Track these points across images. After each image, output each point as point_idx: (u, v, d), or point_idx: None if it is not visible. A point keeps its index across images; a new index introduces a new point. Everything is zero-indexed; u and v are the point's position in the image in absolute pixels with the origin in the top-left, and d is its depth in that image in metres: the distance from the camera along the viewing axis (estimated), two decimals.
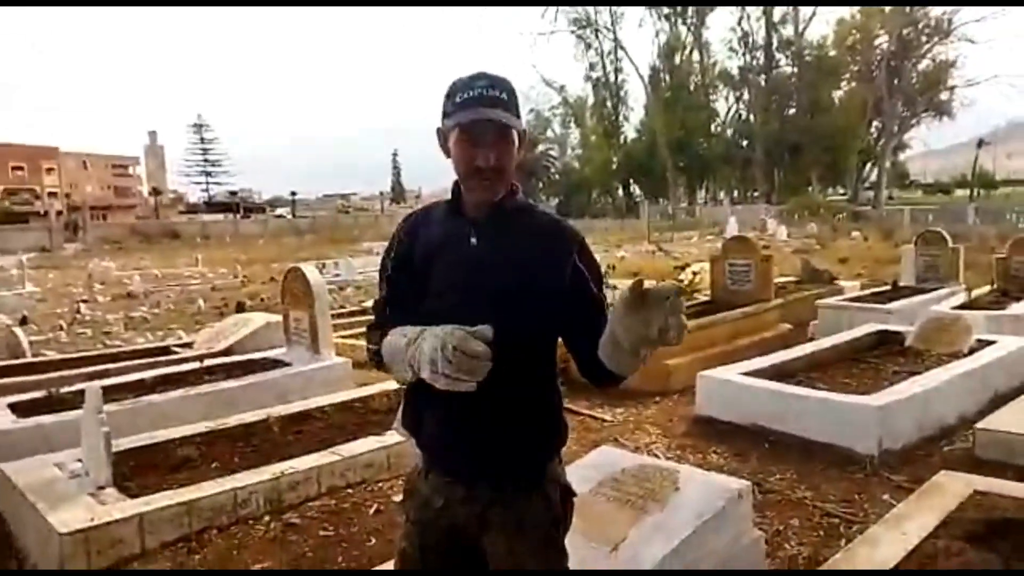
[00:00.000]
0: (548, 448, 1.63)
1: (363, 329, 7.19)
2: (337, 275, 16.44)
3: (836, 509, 3.57)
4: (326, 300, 6.27)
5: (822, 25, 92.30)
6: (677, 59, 53.82)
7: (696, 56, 53.74)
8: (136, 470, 3.87)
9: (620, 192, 58.77)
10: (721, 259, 8.22)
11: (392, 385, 5.40)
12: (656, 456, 4.24)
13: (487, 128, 1.48)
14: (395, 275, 1.67)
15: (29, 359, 7.64)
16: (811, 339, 6.91)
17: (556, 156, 60.49)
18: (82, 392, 4.66)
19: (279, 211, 63.24)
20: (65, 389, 5.30)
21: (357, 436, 4.35)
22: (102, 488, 3.51)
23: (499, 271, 1.52)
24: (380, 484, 4.00)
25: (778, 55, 51.05)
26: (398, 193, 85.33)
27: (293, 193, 61.85)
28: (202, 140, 76.48)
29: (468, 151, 1.50)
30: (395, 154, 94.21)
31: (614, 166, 55.80)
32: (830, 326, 7.34)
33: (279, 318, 6.89)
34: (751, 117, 51.73)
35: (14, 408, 4.94)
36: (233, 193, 63.97)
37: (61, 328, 11.11)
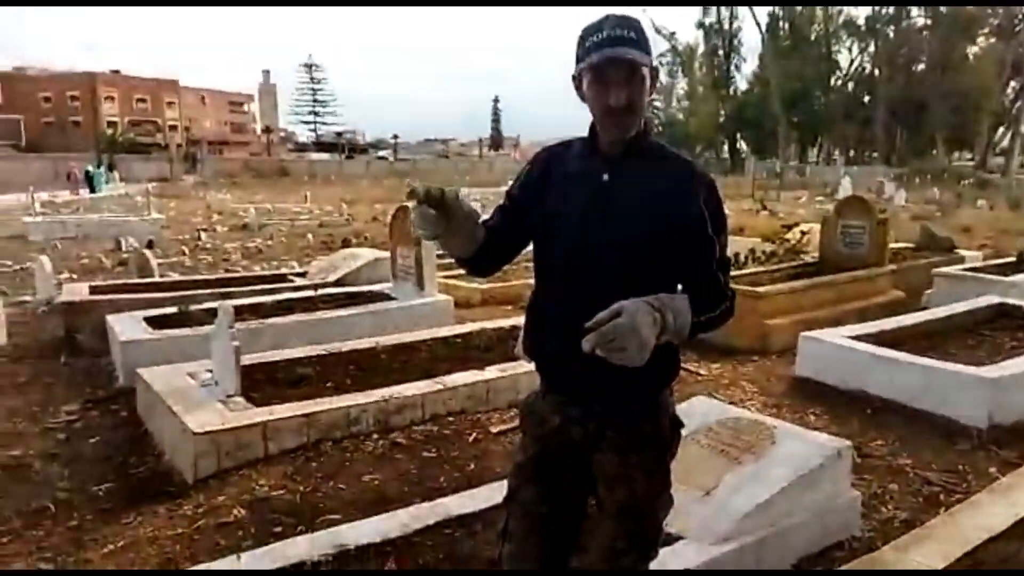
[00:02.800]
0: (662, 376, 1.70)
1: (462, 271, 7.36)
2: None
3: (938, 478, 3.49)
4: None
5: None
6: (799, 7, 50.72)
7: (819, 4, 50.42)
8: (259, 383, 4.20)
9: (725, 147, 56.67)
10: (834, 220, 7.90)
11: (491, 324, 5.58)
12: (751, 412, 4.23)
13: (618, 67, 1.53)
14: (519, 193, 1.76)
15: (158, 279, 8.29)
16: (924, 308, 6.60)
17: (660, 107, 58.76)
18: (208, 310, 5.08)
19: (381, 153, 64.59)
20: (194, 307, 5.76)
21: (458, 369, 4.55)
22: (231, 396, 3.85)
23: (627, 206, 1.58)
24: (479, 415, 4.19)
25: (910, 5, 47.21)
26: (497, 140, 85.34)
27: (395, 136, 63.09)
28: (312, 80, 78.54)
29: (600, 91, 1.56)
30: (496, 101, 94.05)
31: (721, 119, 53.71)
32: (946, 296, 6.98)
33: (386, 254, 7.17)
34: (875, 72, 48.43)
35: (149, 321, 5.42)
36: (339, 134, 65.77)
37: (184, 253, 11.93)
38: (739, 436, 3.05)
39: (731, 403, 4.39)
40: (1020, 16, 42.15)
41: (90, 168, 31.02)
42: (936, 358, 4.62)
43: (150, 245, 12.10)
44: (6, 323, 6.25)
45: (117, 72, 66.49)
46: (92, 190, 28.25)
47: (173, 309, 5.82)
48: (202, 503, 3.18)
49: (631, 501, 1.65)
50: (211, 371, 4.15)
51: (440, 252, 8.89)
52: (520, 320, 3.98)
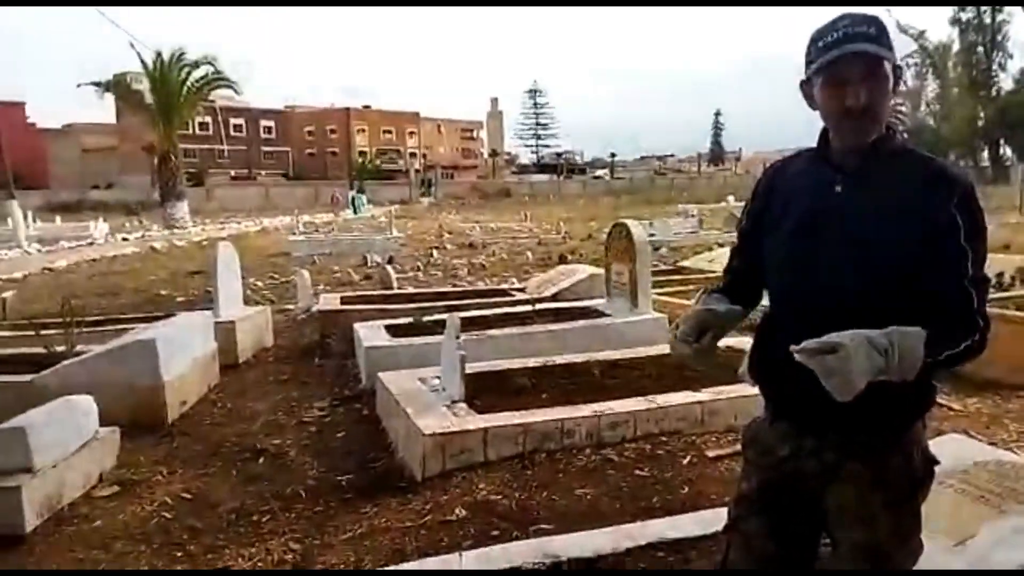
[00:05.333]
0: (915, 406, 1.53)
1: (677, 288, 7.25)
2: (652, 235, 16.61)
3: None
4: (648, 256, 6.44)
5: None
6: None
7: None
8: (481, 391, 4.43)
9: (985, 153, 49.94)
10: None
11: None
12: (1015, 455, 3.67)
13: (855, 63, 1.40)
14: (747, 225, 1.69)
15: (396, 291, 9.10)
16: None
17: (906, 112, 53.25)
18: (439, 321, 5.45)
19: (598, 172, 65.49)
20: (426, 318, 6.23)
21: (671, 389, 4.45)
22: (456, 402, 4.10)
23: (862, 219, 1.44)
24: (693, 437, 4.06)
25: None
26: (716, 154, 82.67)
27: (612, 155, 63.79)
28: (535, 105, 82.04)
29: (836, 92, 1.43)
30: (717, 114, 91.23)
31: (981, 123, 47.46)
32: None
33: (601, 271, 7.24)
34: None
35: (389, 329, 5.96)
36: (559, 155, 67.82)
37: (419, 269, 12.99)
38: (1001, 481, 2.69)
39: (991, 443, 3.85)
40: None
41: (352, 193, 35.18)
42: None
43: (390, 261, 13.36)
44: (273, 327, 7.21)
45: (368, 107, 74.48)
46: (355, 211, 31.92)
47: (408, 319, 6.35)
48: (429, 500, 3.41)
49: (872, 543, 1.48)
50: (439, 377, 4.45)
51: (653, 269, 8.83)
52: (738, 341, 3.81)
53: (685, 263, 11.89)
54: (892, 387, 1.39)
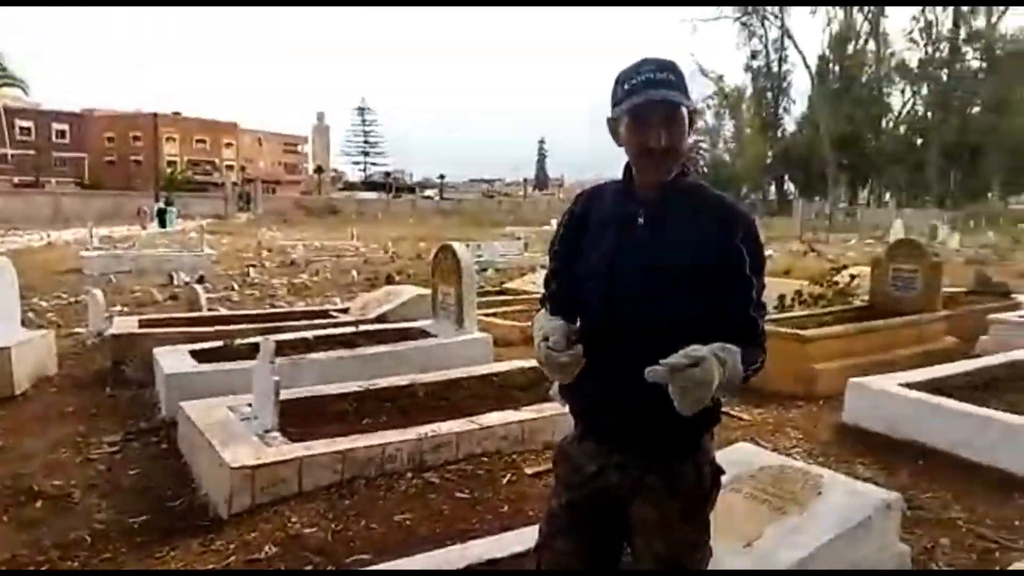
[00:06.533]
0: (704, 420, 1.63)
1: (502, 309, 7.41)
2: (479, 256, 16.90)
3: (992, 534, 3.29)
4: (473, 278, 6.51)
5: (1018, 17, 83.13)
6: (849, 49, 50.48)
7: (871, 46, 50.13)
8: (297, 419, 4.21)
9: (772, 188, 56.14)
10: (885, 263, 7.70)
11: (530, 363, 5.54)
12: (794, 460, 4.09)
13: (657, 108, 1.52)
14: (562, 249, 1.75)
15: (206, 313, 8.49)
16: (979, 355, 6.34)
17: (707, 148, 58.66)
18: (252, 345, 5.15)
19: (427, 192, 65.71)
20: (238, 341, 5.85)
21: (495, 408, 4.51)
22: (268, 431, 3.87)
23: (662, 248, 1.56)
24: (513, 456, 4.12)
25: (965, 48, 46.54)
26: (541, 180, 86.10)
27: (441, 176, 64.18)
28: (363, 122, 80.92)
29: (640, 133, 1.55)
30: (541, 142, 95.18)
31: (768, 160, 53.32)
32: (1002, 343, 6.69)
33: (427, 291, 7.22)
34: (928, 115, 47.67)
35: (194, 354, 5.53)
36: (387, 174, 67.33)
37: (233, 288, 12.23)
38: (783, 485, 2.94)
39: (775, 450, 4.25)
40: None
41: (160, 205, 32.41)
42: (991, 407, 4.42)
43: (200, 280, 12.45)
44: (59, 354, 6.44)
45: (179, 114, 69.43)
46: (163, 225, 29.42)
47: (219, 343, 5.93)
48: (235, 539, 3.17)
49: (669, 551, 1.60)
50: (251, 405, 4.19)
51: (479, 290, 8.98)
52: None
53: (510, 284, 12.17)
54: None
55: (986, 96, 44.74)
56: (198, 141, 69.66)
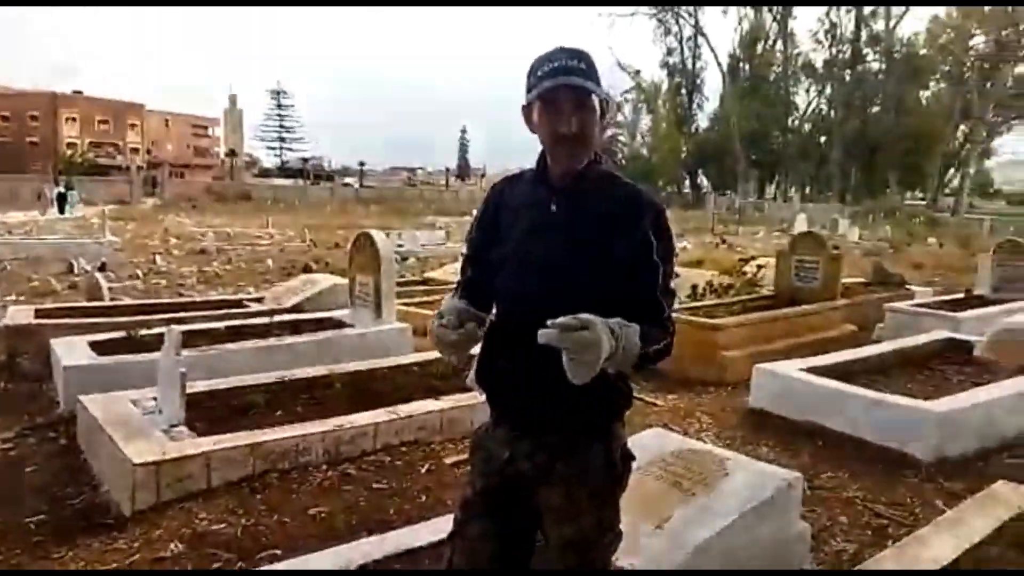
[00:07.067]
0: (613, 406, 1.68)
1: (423, 298, 7.36)
2: (400, 246, 16.72)
3: (886, 511, 3.52)
4: (392, 266, 6.43)
5: (915, 21, 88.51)
6: (759, 48, 52.39)
7: (779, 46, 52.13)
8: (206, 412, 4.07)
9: (687, 182, 57.79)
10: (788, 254, 8.07)
11: None
12: (705, 443, 4.24)
13: (568, 95, 1.54)
14: (478, 237, 1.76)
15: (108, 303, 8.07)
16: (875, 342, 6.74)
17: (625, 142, 59.77)
18: (158, 336, 4.93)
19: (347, 180, 64.33)
20: (143, 332, 5.60)
21: (414, 398, 4.48)
22: (174, 426, 3.72)
23: (573, 233, 1.58)
24: (433, 445, 4.12)
25: (866, 50, 49.06)
26: (463, 170, 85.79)
27: (362, 163, 62.84)
28: (279, 106, 78.39)
29: (551, 120, 1.57)
30: (463, 131, 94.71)
31: (683, 155, 54.83)
32: (897, 330, 7.14)
33: (345, 281, 7.08)
34: (831, 113, 50.05)
35: (94, 346, 5.25)
36: (305, 160, 65.34)
37: (138, 277, 11.67)
38: (691, 467, 3.04)
39: (686, 435, 4.40)
40: (968, 64, 43.94)
41: (60, 189, 30.43)
42: (886, 391, 4.70)
43: (102, 268, 11.81)
44: None
45: (80, 93, 65.51)
46: (62, 211, 27.66)
47: (121, 334, 5.65)
48: (139, 537, 3.05)
49: (579, 536, 1.62)
50: (155, 399, 4.02)
51: (400, 279, 8.88)
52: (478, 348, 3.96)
53: (432, 274, 12.10)
54: (595, 388, 1.52)
55: (885, 97, 47.36)
56: (101, 122, 65.91)
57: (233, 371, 4.85)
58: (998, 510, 2.89)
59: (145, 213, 30.51)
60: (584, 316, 1.37)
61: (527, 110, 1.63)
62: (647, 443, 3.24)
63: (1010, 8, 40.63)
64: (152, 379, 4.12)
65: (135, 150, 63.94)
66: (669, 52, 53.92)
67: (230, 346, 5.41)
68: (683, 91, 55.71)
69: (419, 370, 5.17)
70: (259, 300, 7.97)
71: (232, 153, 66.89)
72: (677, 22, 52.03)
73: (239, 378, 4.62)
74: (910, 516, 3.46)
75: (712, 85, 60.80)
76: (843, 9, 47.96)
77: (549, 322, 1.36)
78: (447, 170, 68.67)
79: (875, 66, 49.23)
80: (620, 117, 57.83)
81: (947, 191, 50.39)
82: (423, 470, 3.82)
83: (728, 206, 39.89)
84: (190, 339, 5.32)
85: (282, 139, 79.33)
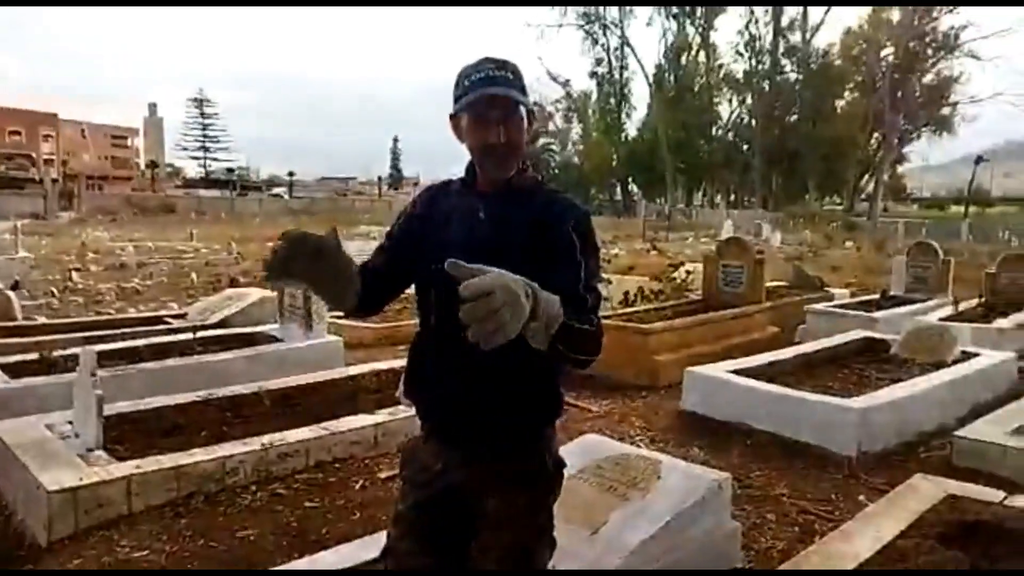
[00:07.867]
0: (545, 415, 1.68)
1: None
2: None
3: (813, 507, 3.64)
4: None
5: (830, 33, 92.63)
6: (683, 59, 53.75)
7: (702, 58, 53.68)
8: (126, 434, 3.91)
9: (618, 190, 58.80)
10: (715, 260, 8.29)
11: (382, 365, 5.46)
12: (639, 447, 4.30)
13: (496, 105, 1.55)
14: (398, 232, 1.74)
15: (20, 322, 7.66)
16: (798, 343, 6.98)
17: (556, 151, 60.42)
18: (74, 356, 4.70)
19: (276, 191, 62.91)
20: (58, 353, 5.33)
21: (346, 413, 4.39)
22: (92, 450, 3.55)
23: (501, 240, 1.57)
24: (367, 461, 4.04)
25: (784, 61, 51.02)
26: (396, 179, 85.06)
27: (291, 173, 61.48)
28: (202, 115, 76.11)
29: (480, 129, 1.57)
30: (395, 140, 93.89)
31: (614, 164, 55.78)
32: (818, 331, 7.43)
33: (273, 294, 6.92)
34: (752, 122, 51.77)
35: (6, 369, 4.97)
36: (231, 170, 63.52)
37: (53, 295, 11.10)
38: (625, 472, 3.08)
39: (620, 439, 4.45)
40: (880, 74, 46.19)
41: None
42: (809, 390, 4.87)
43: (15, 286, 11.17)
44: None
45: None
46: None
47: (34, 355, 5.36)
48: (55, 568, 2.88)
49: (517, 544, 1.62)
50: (72, 422, 3.83)
51: None
52: (400, 363, 3.91)
53: None
54: (528, 395, 1.57)
55: (803, 106, 49.35)
56: (11, 133, 62.60)
57: (155, 391, 4.66)
58: (917, 502, 3.02)
59: (61, 227, 29.10)
60: (478, 268, 1.26)
61: (455, 120, 1.63)
62: (581, 449, 3.27)
63: (916, 21, 43.00)
64: (68, 402, 3.93)
65: (50, 162, 60.97)
66: (597, 62, 54.81)
67: (151, 365, 5.20)
68: (612, 100, 56.69)
69: (352, 384, 5.09)
70: (182, 316, 7.71)
71: (153, 164, 64.56)
72: (604, 32, 52.95)
73: (161, 398, 4.44)
74: (835, 511, 3.59)
75: (640, 94, 62.19)
76: (761, 22, 49.76)
77: (465, 263, 1.26)
78: (380, 180, 68.02)
79: (792, 77, 51.23)
80: (551, 126, 58.46)
81: (863, 196, 52.76)
82: (357, 486, 3.75)
83: (658, 213, 40.75)
84: (108, 359, 5.11)
85: (206, 148, 77.01)
